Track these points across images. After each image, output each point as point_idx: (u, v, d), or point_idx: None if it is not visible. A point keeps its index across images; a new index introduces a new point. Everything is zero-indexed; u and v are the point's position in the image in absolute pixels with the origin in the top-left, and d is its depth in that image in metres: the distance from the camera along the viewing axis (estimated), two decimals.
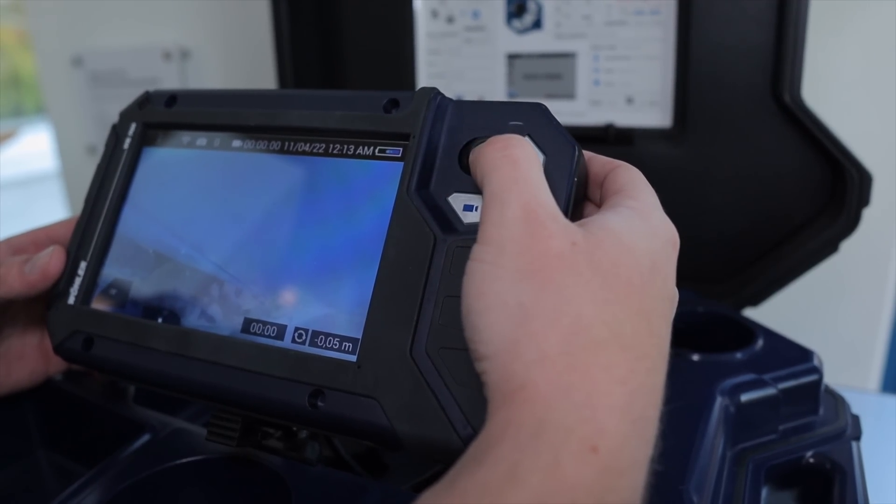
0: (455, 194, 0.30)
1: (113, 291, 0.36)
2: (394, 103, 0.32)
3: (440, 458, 0.27)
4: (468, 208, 0.30)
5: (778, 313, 0.62)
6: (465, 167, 0.30)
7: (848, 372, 0.69)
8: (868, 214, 0.52)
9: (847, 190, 0.50)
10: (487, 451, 0.21)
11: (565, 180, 0.29)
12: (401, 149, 0.31)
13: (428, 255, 0.29)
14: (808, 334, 0.66)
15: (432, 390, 0.27)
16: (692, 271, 0.57)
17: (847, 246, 0.53)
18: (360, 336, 0.29)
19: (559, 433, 0.20)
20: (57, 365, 0.41)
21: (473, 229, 0.28)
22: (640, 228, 0.25)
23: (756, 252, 0.55)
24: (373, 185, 0.31)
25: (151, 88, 0.89)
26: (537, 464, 0.20)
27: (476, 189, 0.29)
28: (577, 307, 0.22)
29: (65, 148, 1.02)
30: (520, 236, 0.23)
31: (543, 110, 0.30)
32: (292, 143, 0.34)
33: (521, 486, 0.19)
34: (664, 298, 0.25)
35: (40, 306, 0.39)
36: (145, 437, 0.36)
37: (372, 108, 0.32)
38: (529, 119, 0.30)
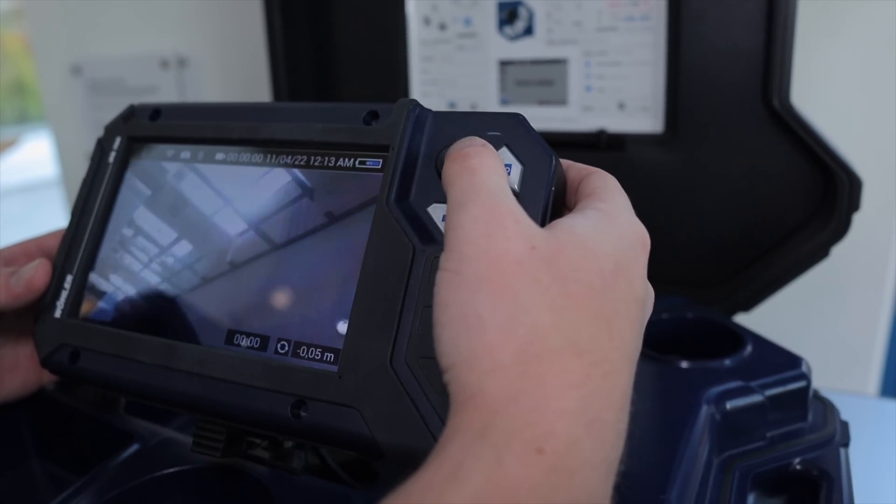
0: (434, 205, 0.30)
1: (99, 304, 0.36)
2: (373, 115, 0.32)
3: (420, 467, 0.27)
4: None
5: (778, 318, 0.62)
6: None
7: (847, 376, 0.69)
8: (866, 218, 0.52)
9: (837, 195, 0.50)
10: (435, 454, 0.21)
11: (543, 189, 0.29)
12: (381, 160, 0.31)
13: (407, 265, 0.29)
14: (808, 339, 0.66)
15: (412, 399, 0.27)
16: (684, 276, 0.57)
17: (846, 250, 0.53)
18: (340, 346, 0.30)
19: (503, 435, 0.20)
20: (49, 375, 0.42)
21: None
22: (605, 230, 0.26)
23: (747, 257, 0.55)
24: (353, 196, 0.32)
25: (149, 96, 0.89)
26: (479, 463, 0.20)
27: None
28: (533, 316, 0.22)
29: (65, 155, 1.02)
30: (477, 238, 0.24)
31: (521, 120, 0.30)
32: (274, 156, 0.34)
33: (462, 484, 0.20)
34: (629, 300, 0.25)
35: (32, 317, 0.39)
36: (134, 447, 0.37)
37: (352, 121, 0.32)
38: (507, 129, 0.30)
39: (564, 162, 0.31)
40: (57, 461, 0.43)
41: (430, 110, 0.32)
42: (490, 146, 0.28)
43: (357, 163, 0.32)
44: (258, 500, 0.33)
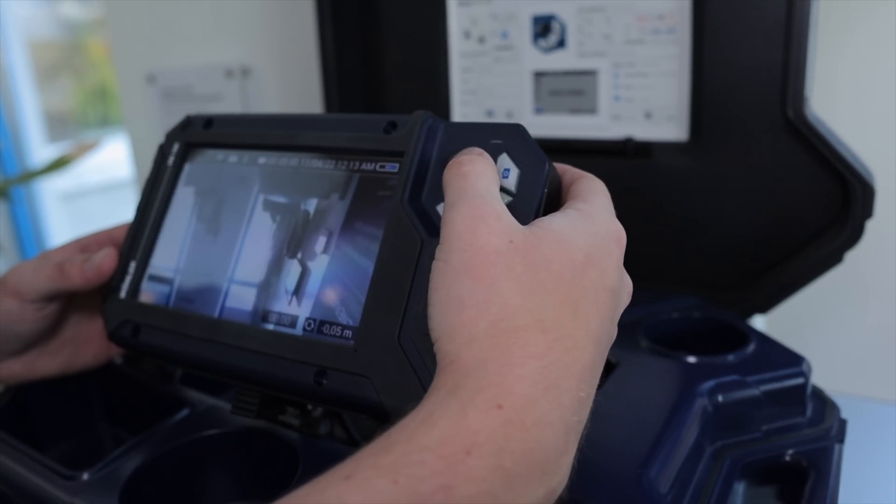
0: (442, 204, 0.34)
1: (157, 287, 0.41)
2: (392, 125, 0.36)
3: None
4: None
5: (814, 323, 0.64)
6: None
7: (879, 383, 0.69)
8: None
9: (851, 203, 0.51)
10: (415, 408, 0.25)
11: (537, 190, 0.33)
12: (398, 164, 0.36)
13: (415, 255, 0.33)
14: (836, 344, 0.67)
15: (415, 370, 0.31)
16: (703, 279, 0.59)
17: (877, 256, 0.53)
18: (357, 325, 0.34)
19: (469, 392, 0.24)
20: (117, 349, 0.48)
21: None
22: (580, 227, 0.29)
23: (765, 262, 0.57)
24: (374, 195, 0.36)
25: (215, 103, 0.96)
26: (447, 412, 0.24)
27: None
28: (505, 297, 0.26)
29: (140, 157, 1.11)
30: (464, 233, 0.28)
31: (521, 130, 0.34)
32: (308, 160, 0.39)
33: (431, 427, 0.24)
34: (598, 289, 0.28)
35: None
36: (185, 412, 0.42)
37: (374, 130, 0.37)
38: (507, 138, 0.34)
39: (561, 167, 0.35)
40: (120, 424, 0.49)
41: (442, 121, 0.36)
42: (486, 155, 0.32)
43: (378, 167, 0.36)
44: (287, 459, 0.38)
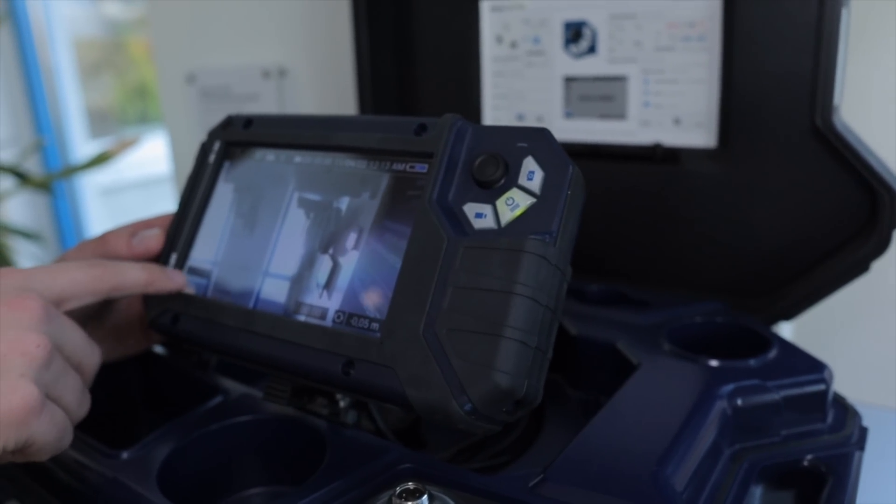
0: (469, 204, 0.36)
1: (195, 278, 0.43)
2: (422, 127, 0.38)
3: (441, 420, 0.33)
4: (479, 216, 0.35)
5: (840, 331, 0.63)
6: (477, 181, 0.35)
7: None
8: None
9: (879, 212, 0.51)
10: None
11: (561, 192, 0.34)
12: (427, 165, 0.37)
13: (441, 253, 0.34)
14: (862, 353, 0.67)
15: (438, 363, 0.33)
16: (729, 285, 0.59)
17: None
18: (384, 318, 0.35)
19: None
20: (156, 339, 0.50)
21: (482, 234, 0.34)
22: None
23: (791, 270, 0.57)
24: (403, 195, 0.37)
25: (252, 103, 0.98)
26: None
27: (485, 199, 0.35)
28: None
29: (178, 155, 1.14)
30: None
31: (546, 134, 0.35)
32: (342, 160, 0.40)
33: None
34: None
35: None
36: (218, 399, 0.44)
37: (405, 132, 0.38)
38: (533, 141, 0.35)
39: None
40: (157, 409, 0.51)
41: (470, 124, 0.37)
42: None
43: (408, 167, 0.38)
44: (315, 446, 0.39)
